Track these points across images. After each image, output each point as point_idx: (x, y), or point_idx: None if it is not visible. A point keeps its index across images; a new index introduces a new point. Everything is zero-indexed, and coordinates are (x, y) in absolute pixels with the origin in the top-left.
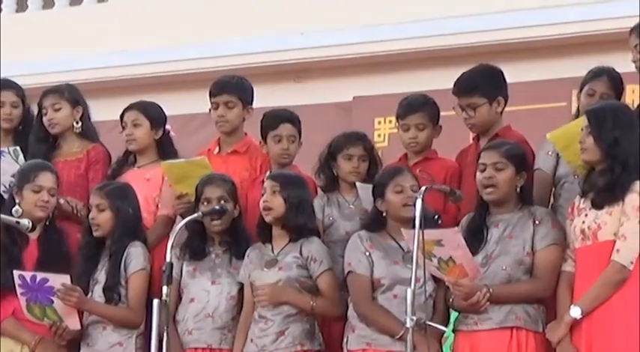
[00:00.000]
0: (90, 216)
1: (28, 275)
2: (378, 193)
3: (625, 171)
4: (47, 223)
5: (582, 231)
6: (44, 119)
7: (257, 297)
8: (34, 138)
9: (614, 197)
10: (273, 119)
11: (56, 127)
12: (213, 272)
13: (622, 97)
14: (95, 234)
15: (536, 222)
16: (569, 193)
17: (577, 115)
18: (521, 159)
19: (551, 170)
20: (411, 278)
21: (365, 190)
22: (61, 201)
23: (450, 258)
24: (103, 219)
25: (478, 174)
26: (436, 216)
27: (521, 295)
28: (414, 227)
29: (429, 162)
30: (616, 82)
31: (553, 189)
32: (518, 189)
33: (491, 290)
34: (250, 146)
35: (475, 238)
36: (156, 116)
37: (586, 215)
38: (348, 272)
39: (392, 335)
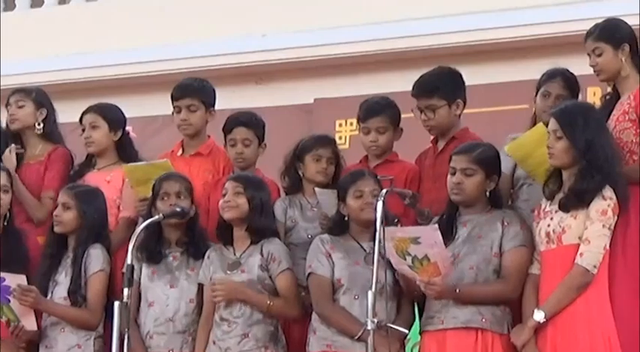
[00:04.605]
0: (54, 212)
1: None
2: (341, 197)
3: (599, 175)
4: (5, 224)
5: (547, 234)
6: (6, 115)
7: (214, 292)
8: (8, 140)
9: (582, 200)
10: (229, 123)
11: (16, 123)
12: (171, 276)
13: (578, 98)
14: (55, 228)
15: (505, 223)
16: (529, 195)
17: (535, 118)
18: (491, 163)
19: (510, 171)
20: (372, 280)
21: (324, 195)
22: None
23: (426, 255)
24: (66, 217)
25: (449, 177)
26: (396, 220)
27: (488, 296)
28: (374, 229)
29: (389, 164)
30: (570, 82)
31: (511, 190)
32: (487, 193)
33: (457, 290)
34: (213, 148)
35: (443, 236)
36: (114, 118)
37: (551, 218)
38: (309, 273)
39: (351, 336)
